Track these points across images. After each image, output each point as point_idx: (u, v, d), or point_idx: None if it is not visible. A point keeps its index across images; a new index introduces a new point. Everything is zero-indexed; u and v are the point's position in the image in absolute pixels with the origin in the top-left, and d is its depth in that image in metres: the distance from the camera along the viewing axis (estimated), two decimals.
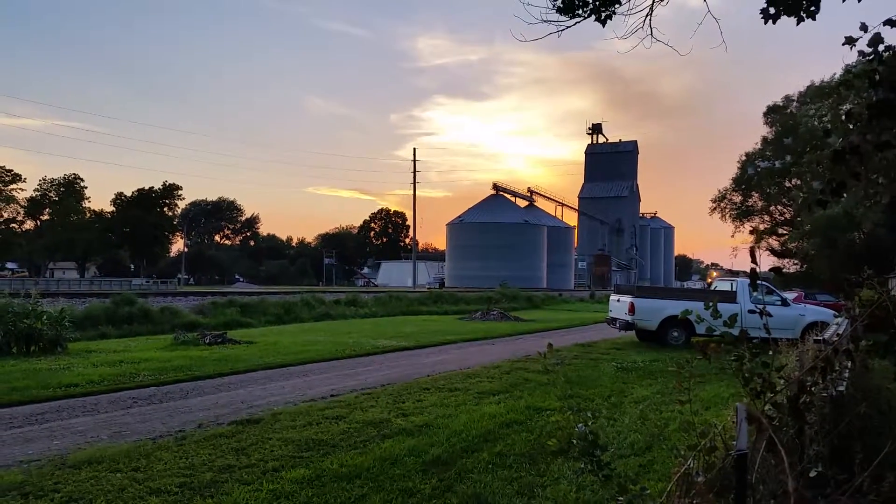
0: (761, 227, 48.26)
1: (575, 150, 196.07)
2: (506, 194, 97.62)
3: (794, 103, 43.43)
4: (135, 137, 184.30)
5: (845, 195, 6.08)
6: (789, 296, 24.25)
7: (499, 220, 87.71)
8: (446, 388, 11.19)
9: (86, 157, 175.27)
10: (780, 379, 3.89)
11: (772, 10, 5.12)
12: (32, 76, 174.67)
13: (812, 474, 2.92)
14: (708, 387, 10.90)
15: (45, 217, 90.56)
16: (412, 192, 76.77)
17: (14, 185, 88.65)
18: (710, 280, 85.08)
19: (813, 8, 5.13)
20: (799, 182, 40.35)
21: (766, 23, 4.96)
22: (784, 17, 5.17)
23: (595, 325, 27.21)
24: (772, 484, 3.44)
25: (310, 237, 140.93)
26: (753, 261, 3.47)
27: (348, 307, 33.51)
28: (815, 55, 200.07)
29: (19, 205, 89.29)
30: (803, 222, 34.90)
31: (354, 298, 36.27)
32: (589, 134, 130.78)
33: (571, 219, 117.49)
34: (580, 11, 5.92)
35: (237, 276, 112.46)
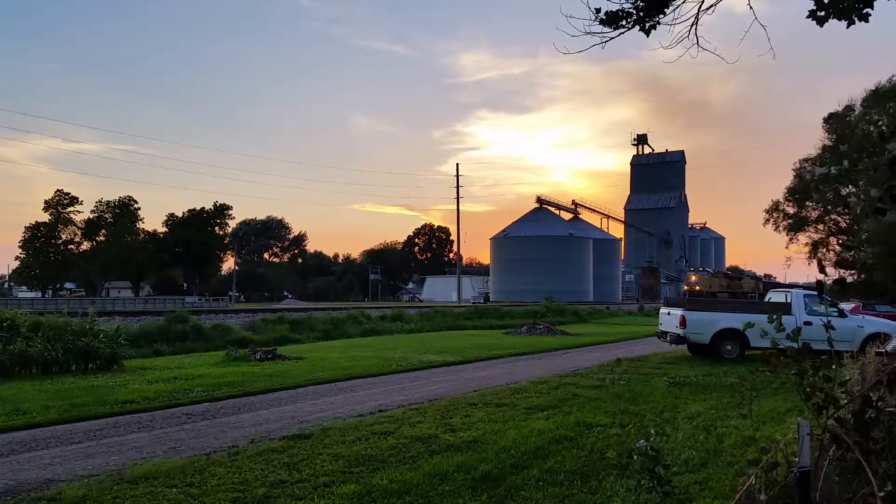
0: (816, 237, 46.99)
1: (620, 161, 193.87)
2: (550, 207, 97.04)
3: (854, 111, 42.38)
4: (186, 159, 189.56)
5: None
6: (846, 307, 23.47)
7: (543, 233, 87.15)
8: (494, 404, 11.12)
9: (139, 180, 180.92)
10: (842, 393, 3.76)
11: (820, 13, 5.00)
12: (88, 102, 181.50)
13: (881, 494, 2.80)
14: (763, 401, 10.60)
15: (101, 238, 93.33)
16: (456, 207, 76.95)
17: (71, 208, 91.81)
18: (686, 288, 76.46)
19: (866, 10, 4.98)
20: (854, 189, 39.19)
21: (820, 25, 4.84)
22: (834, 20, 5.04)
23: (645, 339, 26.75)
24: (837, 502, 3.31)
25: (355, 253, 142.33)
26: (822, 271, 3.38)
27: (394, 322, 33.68)
28: (871, 60, 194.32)
29: (77, 226, 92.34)
30: (860, 231, 33.77)
31: (400, 314, 36.43)
32: (634, 144, 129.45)
33: (617, 231, 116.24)
34: (624, 22, 5.86)
35: (286, 293, 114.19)
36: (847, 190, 41.43)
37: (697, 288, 72.46)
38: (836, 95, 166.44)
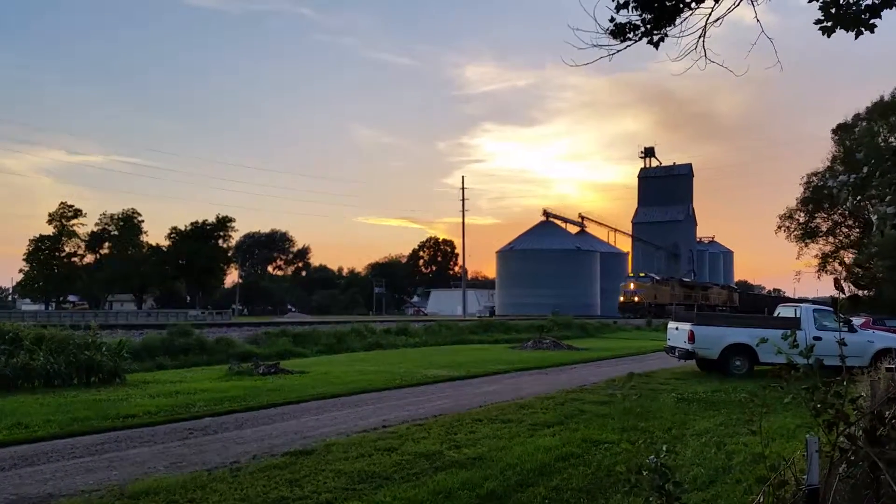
0: (826, 249, 47.08)
1: (627, 174, 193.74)
2: (556, 220, 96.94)
3: (862, 122, 42.54)
4: (189, 171, 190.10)
5: None
6: (856, 321, 23.30)
7: (550, 246, 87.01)
8: (499, 420, 11.01)
9: (143, 192, 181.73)
10: (853, 410, 3.68)
11: (827, 24, 4.98)
12: (92, 113, 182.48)
13: None
14: (773, 417, 10.45)
15: (105, 251, 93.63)
16: (461, 220, 77.08)
17: (76, 221, 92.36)
18: (622, 300, 63.78)
19: (873, 20, 4.95)
20: (866, 203, 39.15)
21: (827, 36, 4.81)
22: (841, 31, 5.01)
23: (653, 354, 26.55)
24: None
25: (360, 267, 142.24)
26: (839, 289, 3.32)
27: (398, 336, 33.51)
28: (880, 72, 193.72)
29: (80, 239, 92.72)
30: (869, 245, 33.61)
31: (405, 327, 36.28)
32: (641, 157, 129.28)
33: (625, 244, 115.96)
34: (631, 35, 5.83)
35: (289, 307, 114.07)
36: (865, 204, 41.48)
37: (636, 299, 59.45)
38: (845, 108, 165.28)
